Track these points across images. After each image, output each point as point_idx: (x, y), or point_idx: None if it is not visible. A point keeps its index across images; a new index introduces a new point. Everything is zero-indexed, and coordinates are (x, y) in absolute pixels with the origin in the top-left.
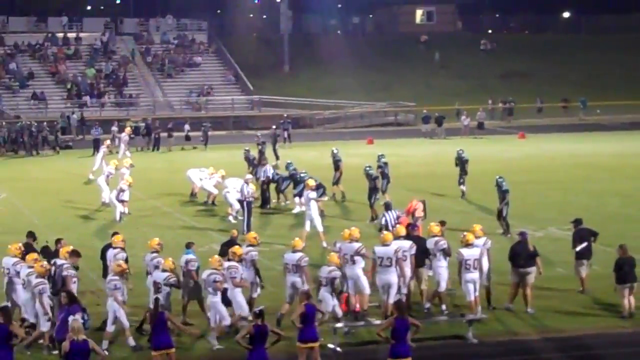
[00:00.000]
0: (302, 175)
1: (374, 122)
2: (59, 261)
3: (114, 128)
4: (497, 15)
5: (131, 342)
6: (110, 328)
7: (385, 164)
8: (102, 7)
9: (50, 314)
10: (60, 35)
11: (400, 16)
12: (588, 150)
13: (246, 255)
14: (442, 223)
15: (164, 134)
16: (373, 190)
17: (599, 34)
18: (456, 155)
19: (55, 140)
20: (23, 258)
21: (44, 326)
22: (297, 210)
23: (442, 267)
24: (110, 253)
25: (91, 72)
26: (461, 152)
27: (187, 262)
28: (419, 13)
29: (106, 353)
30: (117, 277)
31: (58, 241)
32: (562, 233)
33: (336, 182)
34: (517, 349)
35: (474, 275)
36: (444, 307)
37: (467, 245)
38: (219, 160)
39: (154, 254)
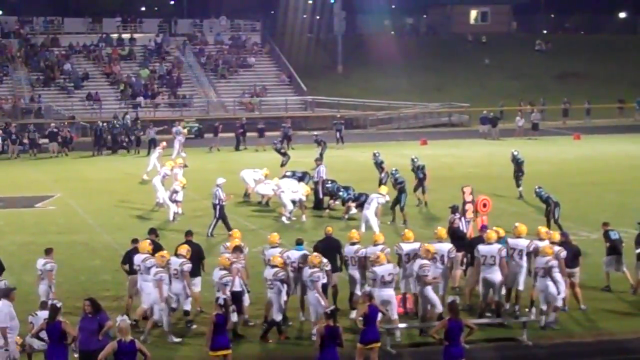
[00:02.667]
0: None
1: (427, 123)
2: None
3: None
4: (552, 16)
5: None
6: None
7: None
8: (156, 8)
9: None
10: (115, 36)
11: (454, 17)
12: None
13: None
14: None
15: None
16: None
17: None
18: (511, 156)
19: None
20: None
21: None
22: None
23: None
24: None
25: (145, 72)
26: (516, 153)
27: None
28: (473, 13)
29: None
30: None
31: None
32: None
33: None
34: (572, 352)
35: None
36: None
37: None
38: (271, 161)
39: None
